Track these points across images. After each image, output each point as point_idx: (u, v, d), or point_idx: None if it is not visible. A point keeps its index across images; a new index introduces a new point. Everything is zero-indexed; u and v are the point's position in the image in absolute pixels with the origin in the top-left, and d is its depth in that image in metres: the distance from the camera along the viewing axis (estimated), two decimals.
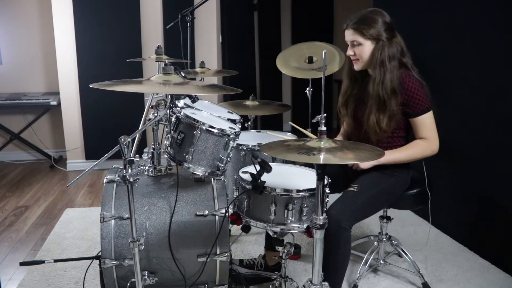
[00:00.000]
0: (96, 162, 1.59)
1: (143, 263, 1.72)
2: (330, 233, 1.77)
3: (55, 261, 2.17)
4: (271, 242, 2.19)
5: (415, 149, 1.99)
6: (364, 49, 1.96)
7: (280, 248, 1.81)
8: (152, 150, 1.93)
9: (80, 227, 2.94)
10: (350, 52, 2.01)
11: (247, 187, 1.69)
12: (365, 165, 1.99)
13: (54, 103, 4.19)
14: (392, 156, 1.98)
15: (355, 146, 1.59)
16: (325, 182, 1.66)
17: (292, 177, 1.86)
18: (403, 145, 2.05)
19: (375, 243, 2.33)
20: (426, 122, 1.97)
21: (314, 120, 1.60)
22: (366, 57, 1.98)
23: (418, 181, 2.10)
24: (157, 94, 2.25)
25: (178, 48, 3.33)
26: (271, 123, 5.07)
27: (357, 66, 2.03)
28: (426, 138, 1.97)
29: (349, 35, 1.98)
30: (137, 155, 2.12)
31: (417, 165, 2.09)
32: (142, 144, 4.04)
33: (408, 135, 2.07)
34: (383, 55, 1.94)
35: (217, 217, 1.79)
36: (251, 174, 1.65)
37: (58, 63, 4.09)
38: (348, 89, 2.13)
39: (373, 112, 1.97)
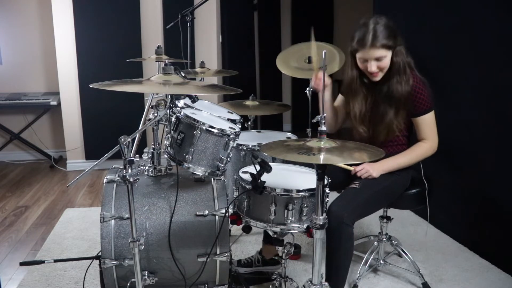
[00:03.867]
0: (96, 162, 1.59)
1: (143, 263, 1.72)
2: (331, 230, 1.77)
3: (55, 261, 2.17)
4: (269, 236, 2.19)
5: (418, 152, 2.02)
6: (387, 60, 1.93)
7: (280, 248, 1.81)
8: (152, 150, 1.93)
9: (80, 227, 2.94)
10: (373, 68, 1.93)
11: (247, 187, 1.69)
12: (376, 173, 1.97)
13: (54, 103, 4.19)
14: (395, 162, 2.00)
15: (355, 146, 1.59)
16: (325, 182, 1.66)
17: (292, 177, 1.86)
18: (406, 143, 2.08)
19: (375, 243, 2.33)
20: (429, 122, 2.00)
21: (314, 120, 1.60)
22: (388, 66, 1.95)
23: (418, 181, 2.10)
24: (157, 94, 2.25)
25: (178, 48, 3.33)
26: (271, 123, 5.07)
27: (377, 78, 1.98)
28: (427, 139, 2.01)
29: (376, 52, 1.89)
30: (137, 155, 2.12)
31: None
32: (142, 144, 4.04)
33: (410, 133, 2.08)
34: (404, 61, 1.94)
35: (217, 217, 1.79)
36: (251, 174, 1.65)
37: (58, 63, 4.09)
38: (363, 107, 2.07)
39: (398, 114, 1.98)
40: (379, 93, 2.03)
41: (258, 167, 1.65)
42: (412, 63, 2.01)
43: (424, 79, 2.00)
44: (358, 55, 1.96)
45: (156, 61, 2.53)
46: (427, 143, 2.00)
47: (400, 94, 1.95)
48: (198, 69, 2.92)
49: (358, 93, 2.07)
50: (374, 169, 1.97)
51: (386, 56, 1.92)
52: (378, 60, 1.92)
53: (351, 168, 2.00)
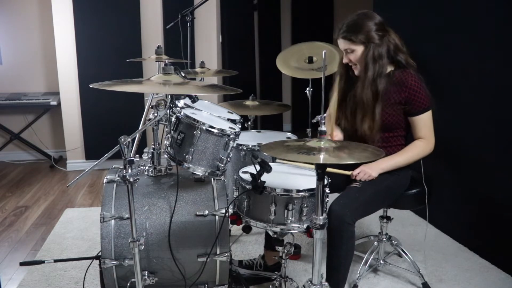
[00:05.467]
0: (96, 162, 1.59)
1: (143, 263, 1.72)
2: (333, 229, 1.77)
3: (55, 261, 2.17)
4: (271, 242, 2.19)
5: (415, 151, 2.00)
6: (357, 54, 1.96)
7: (280, 248, 1.81)
8: (152, 150, 1.93)
9: (80, 227, 2.94)
10: (345, 60, 2.01)
11: (247, 187, 1.69)
12: (375, 173, 1.96)
13: (54, 103, 4.19)
14: (392, 161, 2.00)
15: (355, 147, 1.59)
16: (325, 182, 1.66)
17: (292, 177, 1.86)
18: (403, 144, 2.06)
19: (375, 243, 2.33)
20: (426, 122, 1.98)
21: (314, 120, 1.60)
22: (359, 61, 1.98)
23: (418, 181, 2.10)
24: (157, 94, 2.25)
25: (178, 48, 3.33)
26: (271, 123, 5.07)
27: (357, 72, 2.02)
28: (424, 138, 1.99)
29: (341, 43, 1.99)
30: (137, 155, 2.12)
31: (415, 162, 2.09)
32: (142, 144, 4.04)
33: (408, 133, 2.08)
34: (368, 57, 1.94)
35: (217, 217, 1.79)
36: (251, 174, 1.65)
37: (58, 63, 4.09)
38: (342, 91, 2.11)
39: (360, 116, 1.99)
40: (356, 91, 2.03)
41: (258, 167, 1.65)
42: (403, 60, 1.98)
43: (421, 77, 1.98)
44: None
45: (156, 61, 2.53)
46: (423, 142, 1.99)
47: (358, 94, 1.97)
48: (198, 69, 2.92)
49: (339, 79, 2.13)
50: (372, 169, 1.96)
51: (354, 50, 1.96)
52: (347, 52, 1.99)
53: (349, 173, 2.00)
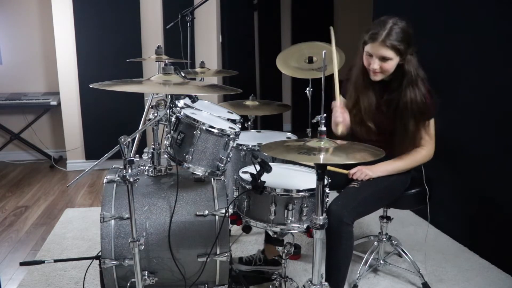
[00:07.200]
0: (96, 162, 1.59)
1: (143, 263, 1.72)
2: (331, 229, 1.77)
3: (55, 261, 2.17)
4: (271, 236, 2.19)
5: (416, 158, 2.02)
6: (392, 63, 1.89)
7: (280, 248, 1.81)
8: (152, 150, 1.93)
9: (80, 227, 2.94)
10: (375, 66, 1.88)
11: (247, 187, 1.69)
12: (373, 173, 1.97)
13: (54, 103, 4.19)
14: (392, 166, 2.01)
15: (355, 147, 1.59)
16: (325, 182, 1.66)
17: (292, 177, 1.86)
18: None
19: (375, 243, 2.33)
20: (428, 129, 2.00)
21: (314, 120, 1.60)
22: (392, 70, 1.91)
23: (418, 180, 2.10)
24: (157, 94, 2.25)
25: (178, 48, 3.33)
26: (271, 123, 5.07)
27: (377, 77, 1.94)
28: (425, 145, 2.01)
29: (381, 49, 1.85)
30: (137, 155, 2.12)
31: None
32: (142, 144, 4.04)
33: None
34: (416, 71, 1.91)
35: (217, 217, 1.79)
36: (251, 174, 1.65)
37: (58, 63, 4.09)
38: (373, 101, 2.02)
39: (418, 124, 1.96)
40: (391, 103, 1.98)
41: (258, 167, 1.65)
42: (423, 76, 1.95)
43: (430, 88, 1.97)
44: (366, 48, 1.91)
45: (156, 61, 2.52)
46: (424, 150, 2.01)
47: (417, 105, 1.92)
48: (198, 69, 2.92)
49: (368, 87, 2.02)
50: (371, 170, 1.97)
51: (393, 59, 1.87)
52: (383, 59, 1.88)
53: (346, 172, 2.00)
